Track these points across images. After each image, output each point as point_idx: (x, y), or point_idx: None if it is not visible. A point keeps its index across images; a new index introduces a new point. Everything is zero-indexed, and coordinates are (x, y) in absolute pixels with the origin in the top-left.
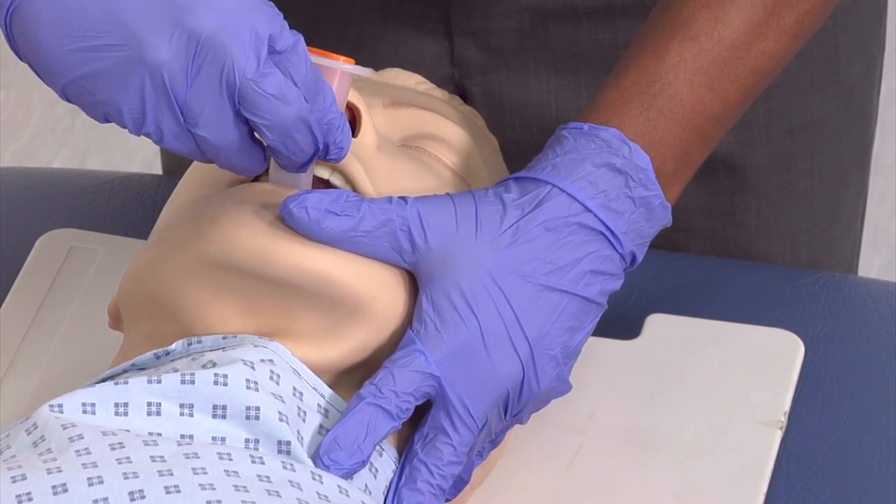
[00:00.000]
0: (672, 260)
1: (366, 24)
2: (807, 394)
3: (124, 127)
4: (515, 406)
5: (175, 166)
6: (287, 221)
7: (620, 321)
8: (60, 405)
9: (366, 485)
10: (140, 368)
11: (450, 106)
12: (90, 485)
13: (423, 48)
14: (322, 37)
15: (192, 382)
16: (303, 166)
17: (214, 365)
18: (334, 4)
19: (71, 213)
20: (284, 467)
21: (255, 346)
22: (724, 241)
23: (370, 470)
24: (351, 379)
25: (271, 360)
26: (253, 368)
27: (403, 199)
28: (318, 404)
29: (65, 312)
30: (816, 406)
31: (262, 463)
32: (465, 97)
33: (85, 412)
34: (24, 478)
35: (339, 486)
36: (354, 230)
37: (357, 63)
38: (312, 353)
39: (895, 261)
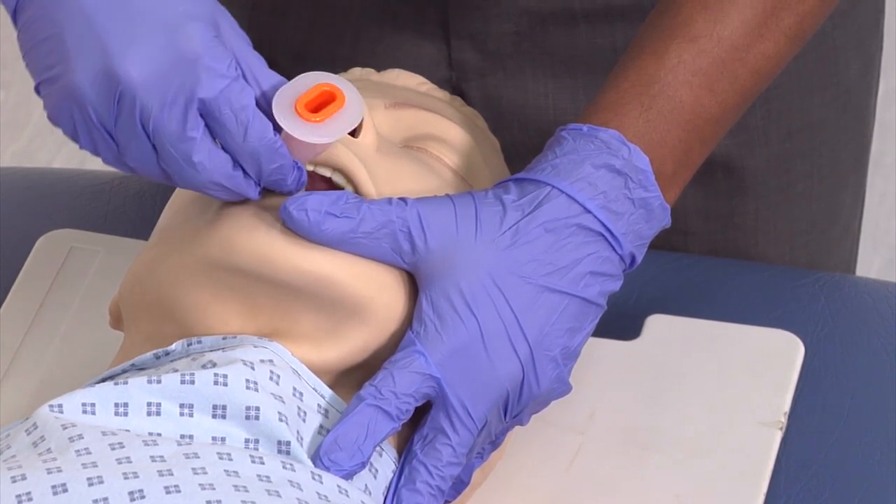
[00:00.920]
0: (671, 260)
1: (363, 28)
2: (807, 394)
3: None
4: (515, 407)
5: None
6: (287, 223)
7: (620, 322)
8: (60, 405)
9: (366, 485)
10: (140, 368)
11: (451, 107)
12: (90, 485)
13: (421, 51)
14: (320, 41)
15: (192, 382)
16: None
17: (214, 365)
18: (332, 8)
19: (71, 214)
20: (284, 467)
21: (255, 347)
22: (722, 244)
23: (370, 470)
24: (351, 380)
25: (271, 361)
26: (253, 369)
27: (403, 200)
28: (318, 405)
29: (65, 312)
30: (816, 406)
31: (262, 463)
32: (462, 100)
33: (85, 412)
34: (23, 478)
35: (338, 486)
36: (354, 232)
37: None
38: (312, 353)
39: (895, 261)
